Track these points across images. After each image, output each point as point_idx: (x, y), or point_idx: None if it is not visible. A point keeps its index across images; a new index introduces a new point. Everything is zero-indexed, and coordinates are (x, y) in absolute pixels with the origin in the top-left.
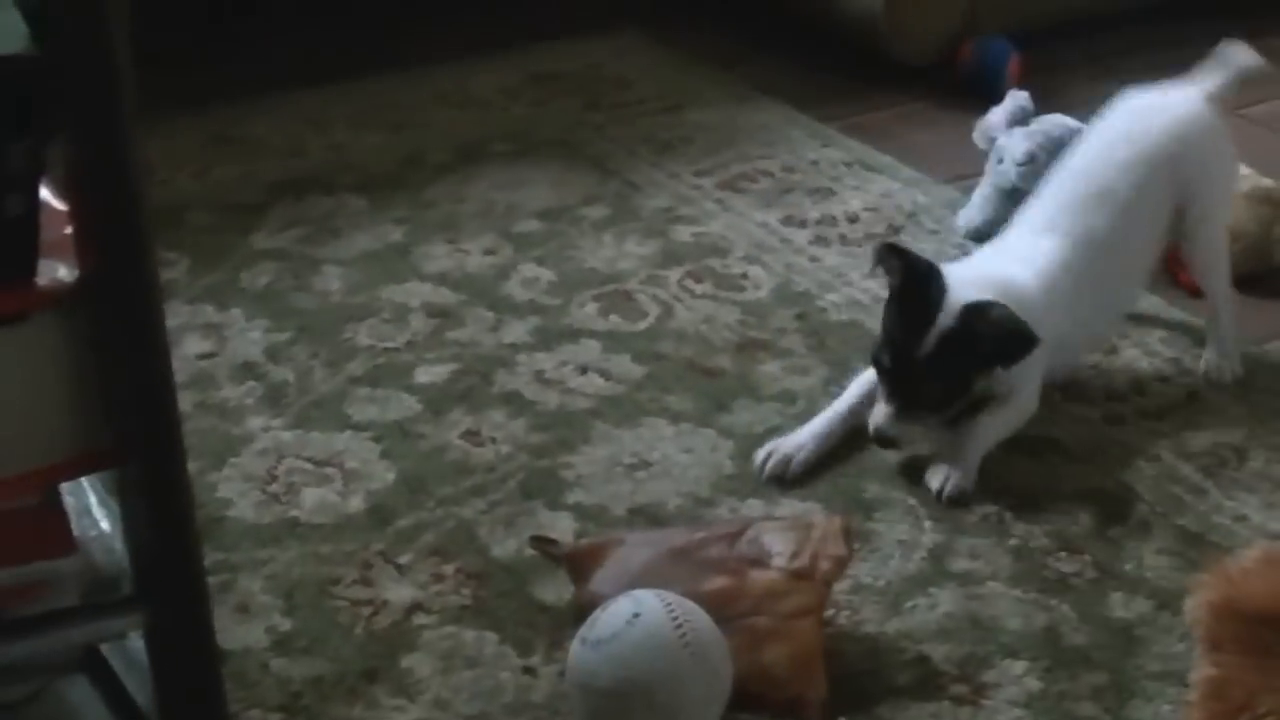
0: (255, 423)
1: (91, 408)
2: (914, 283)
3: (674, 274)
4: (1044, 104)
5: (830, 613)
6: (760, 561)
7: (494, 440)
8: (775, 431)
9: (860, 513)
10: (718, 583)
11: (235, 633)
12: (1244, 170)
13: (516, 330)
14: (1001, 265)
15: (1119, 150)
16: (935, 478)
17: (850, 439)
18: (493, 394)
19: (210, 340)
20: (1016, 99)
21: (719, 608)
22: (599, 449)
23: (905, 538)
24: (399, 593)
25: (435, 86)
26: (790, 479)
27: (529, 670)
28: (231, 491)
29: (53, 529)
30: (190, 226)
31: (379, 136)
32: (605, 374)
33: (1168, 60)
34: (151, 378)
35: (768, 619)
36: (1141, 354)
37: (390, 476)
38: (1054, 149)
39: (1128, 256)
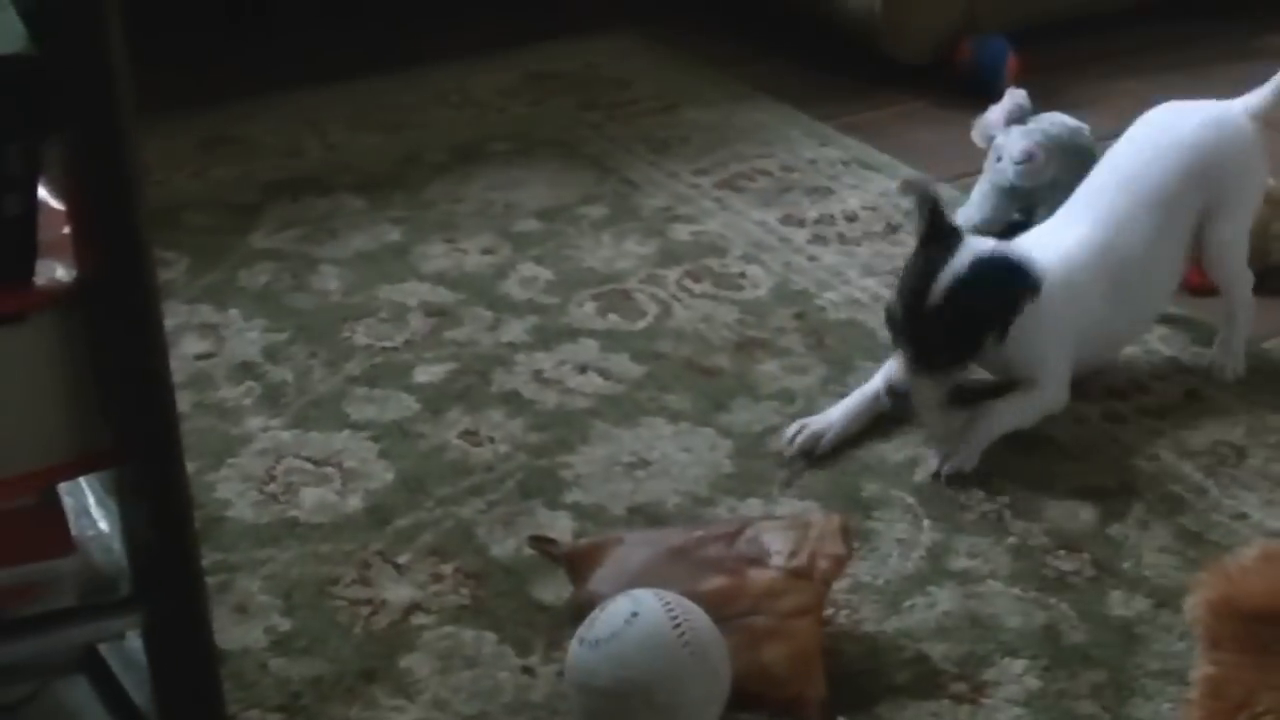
0: (254, 423)
1: (90, 408)
2: (935, 226)
3: (672, 273)
4: (1042, 102)
5: (829, 612)
6: (759, 561)
7: (492, 440)
8: (774, 430)
9: (859, 511)
10: (716, 582)
11: (234, 633)
12: None
13: (515, 330)
14: (1025, 249)
15: (1155, 154)
16: (935, 457)
17: (850, 439)
18: (491, 393)
19: (208, 340)
20: (1014, 97)
21: (718, 607)
22: (597, 448)
23: (904, 536)
24: (398, 592)
25: (433, 86)
26: (818, 455)
27: (528, 670)
28: (230, 491)
29: (51, 529)
30: (188, 227)
31: (377, 136)
32: (604, 373)
33: (1166, 59)
34: (150, 378)
35: (766, 618)
36: (1141, 352)
37: (389, 476)
38: (1052, 147)
39: (1154, 258)
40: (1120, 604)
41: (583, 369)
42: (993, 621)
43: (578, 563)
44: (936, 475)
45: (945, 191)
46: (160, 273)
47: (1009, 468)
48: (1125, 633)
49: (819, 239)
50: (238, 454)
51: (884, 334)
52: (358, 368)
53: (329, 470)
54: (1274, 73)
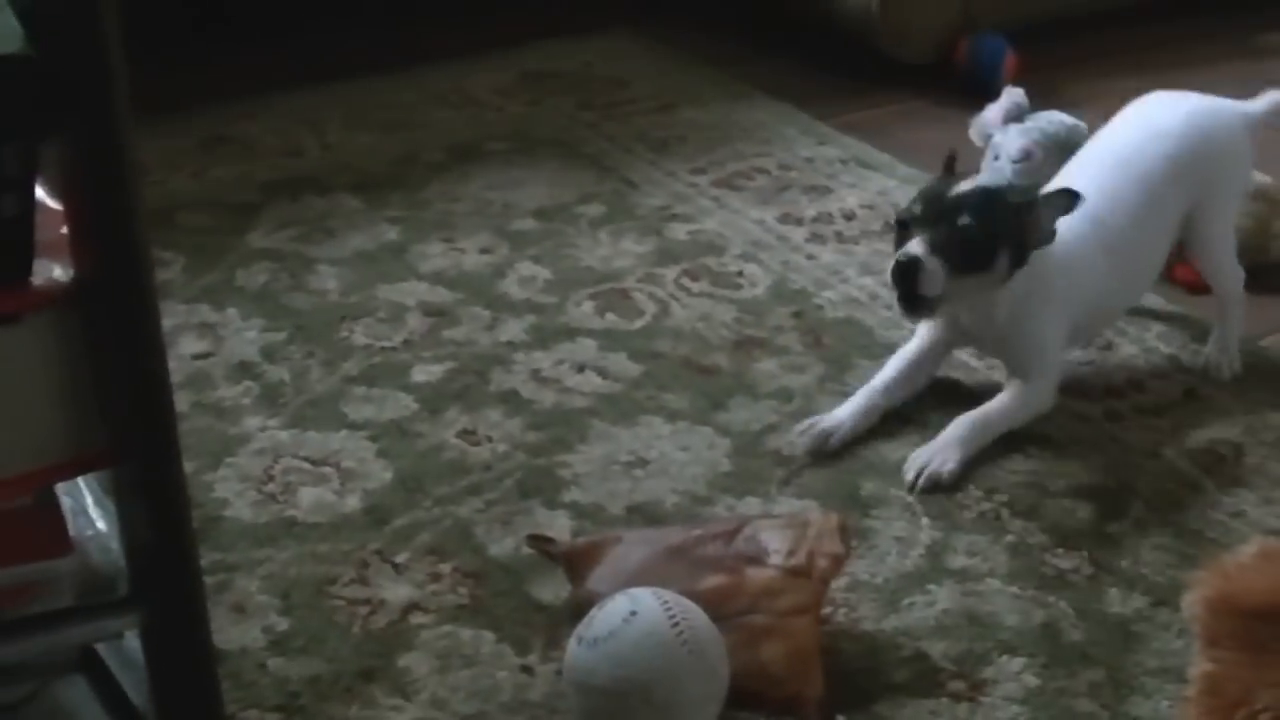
0: (252, 422)
1: (87, 408)
2: (953, 170)
3: (670, 272)
4: (1040, 101)
5: (827, 610)
6: (757, 559)
7: (491, 439)
8: (772, 429)
9: (857, 510)
10: (715, 581)
11: (232, 632)
12: None
13: (513, 329)
14: None
15: (1146, 137)
16: (912, 467)
17: (853, 438)
18: (489, 393)
19: (206, 340)
20: (1012, 96)
21: (716, 606)
22: (596, 447)
23: (902, 535)
24: (396, 592)
25: (430, 86)
26: (828, 453)
27: (526, 669)
28: (228, 491)
29: (49, 529)
30: (186, 227)
31: (374, 136)
32: (602, 372)
33: (1164, 57)
34: (147, 378)
35: (765, 617)
36: (1139, 351)
37: (387, 476)
38: (1050, 145)
39: (1144, 236)
40: (1118, 602)
41: (581, 368)
42: (991, 619)
43: (576, 562)
44: (910, 489)
45: None
46: (158, 273)
47: (1007, 466)
48: (1123, 631)
49: (817, 238)
50: (236, 454)
51: (882, 333)
52: (356, 367)
53: (327, 470)
54: (1273, 71)
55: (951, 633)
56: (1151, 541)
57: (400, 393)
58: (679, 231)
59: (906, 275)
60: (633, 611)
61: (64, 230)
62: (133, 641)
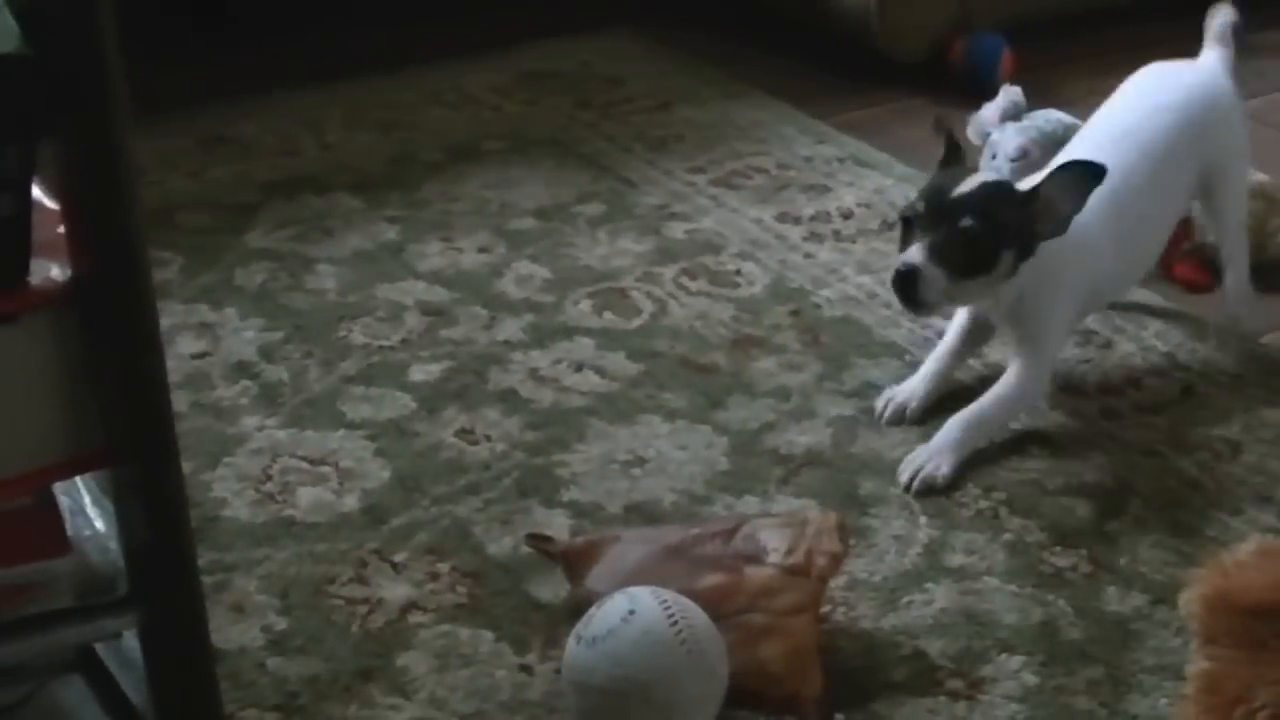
0: (250, 422)
1: (85, 408)
2: (954, 150)
3: (668, 271)
4: (1037, 99)
5: (826, 609)
6: (756, 558)
7: (489, 438)
8: (770, 428)
9: (855, 508)
10: (713, 580)
11: (231, 632)
12: None
13: (511, 328)
14: None
15: (1149, 114)
16: (908, 469)
17: (848, 436)
18: (487, 392)
19: (204, 340)
20: (1009, 94)
21: (714, 605)
22: (594, 446)
23: (901, 533)
24: (394, 591)
25: (427, 86)
26: (909, 422)
27: (525, 668)
28: (226, 491)
29: (47, 529)
30: (184, 226)
31: (371, 136)
32: (600, 371)
33: (1161, 56)
34: (145, 377)
35: (763, 615)
36: (1136, 348)
37: (385, 475)
38: (1047, 144)
39: (1153, 207)
40: (1116, 600)
41: (579, 367)
42: (989, 618)
43: (574, 561)
44: (906, 489)
45: None
46: (156, 272)
47: (1004, 464)
48: (1122, 628)
49: (815, 236)
50: (234, 453)
51: (880, 331)
52: (354, 367)
53: (325, 469)
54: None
55: (950, 631)
56: (1150, 539)
57: (398, 392)
58: (677, 230)
59: (906, 284)
60: (631, 610)
61: (61, 230)
62: (131, 641)
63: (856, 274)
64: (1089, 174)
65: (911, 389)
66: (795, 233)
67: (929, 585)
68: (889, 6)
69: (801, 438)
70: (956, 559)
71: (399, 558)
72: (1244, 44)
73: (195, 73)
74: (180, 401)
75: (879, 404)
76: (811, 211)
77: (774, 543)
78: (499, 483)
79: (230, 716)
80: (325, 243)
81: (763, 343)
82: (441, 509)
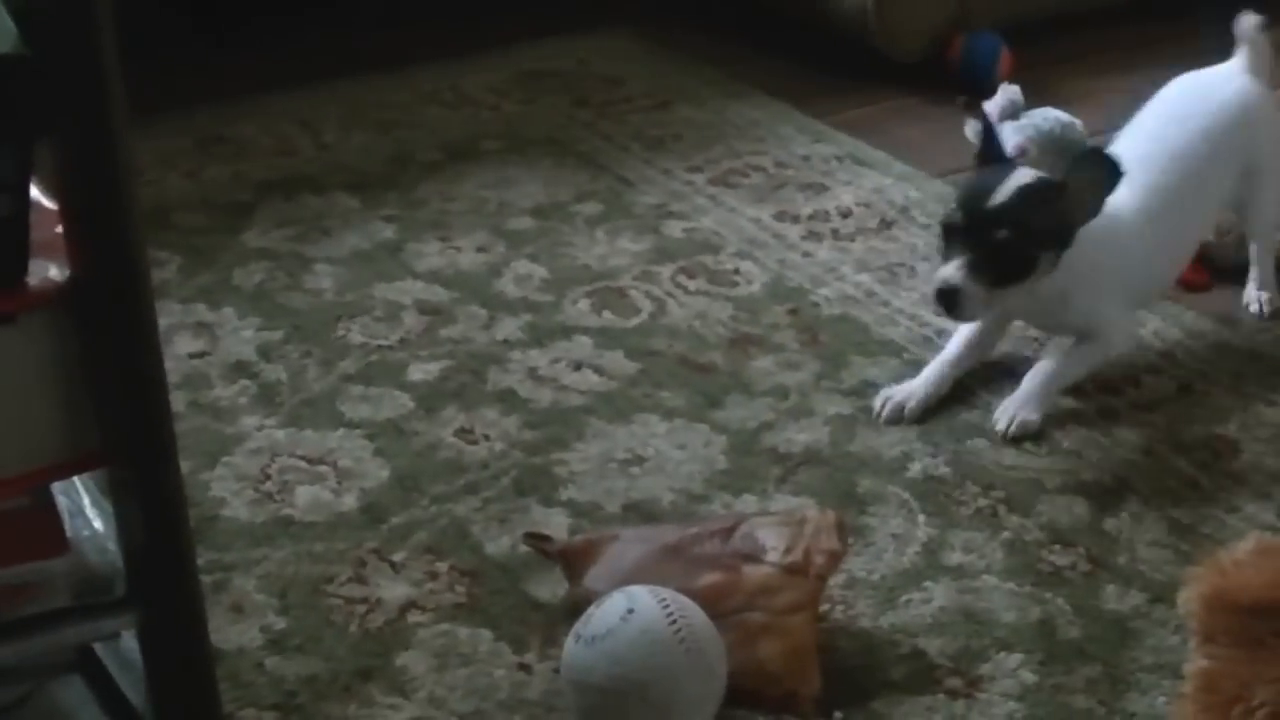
0: (248, 422)
1: (83, 408)
2: (990, 148)
3: (666, 270)
4: (1034, 98)
5: (824, 608)
6: (754, 557)
7: (487, 437)
8: (768, 427)
9: (854, 507)
10: (711, 578)
11: (229, 632)
12: None
13: (509, 327)
14: None
15: (1181, 126)
16: (1003, 417)
17: (846, 434)
18: (486, 391)
19: (202, 339)
20: (1007, 93)
21: (713, 603)
22: (592, 445)
23: (899, 532)
24: (393, 591)
25: (425, 85)
26: (906, 421)
27: (523, 667)
28: (225, 491)
29: (46, 529)
30: (181, 226)
31: (369, 135)
32: (598, 370)
33: (1159, 54)
34: (143, 377)
35: (762, 614)
36: (1134, 347)
37: (384, 474)
38: (1045, 143)
39: (1185, 226)
40: (1115, 598)
41: (577, 366)
42: (988, 616)
43: (573, 560)
44: (1004, 435)
45: (938, 188)
46: (154, 272)
47: (1002, 463)
48: (1120, 627)
49: (813, 235)
50: (232, 453)
51: (878, 330)
52: (352, 366)
53: (324, 469)
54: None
55: (948, 629)
56: (1148, 538)
57: (397, 391)
58: (675, 229)
59: (947, 301)
60: (630, 610)
61: (59, 230)
62: (130, 641)
63: (855, 273)
64: (1097, 164)
65: (911, 389)
66: (793, 231)
67: (927, 584)
68: (887, 5)
69: (800, 436)
70: (955, 557)
71: (397, 557)
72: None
73: (193, 73)
74: (178, 401)
75: (877, 403)
76: (809, 210)
77: (772, 541)
78: (497, 482)
79: (229, 716)
80: (323, 242)
81: (761, 341)
82: (440, 508)
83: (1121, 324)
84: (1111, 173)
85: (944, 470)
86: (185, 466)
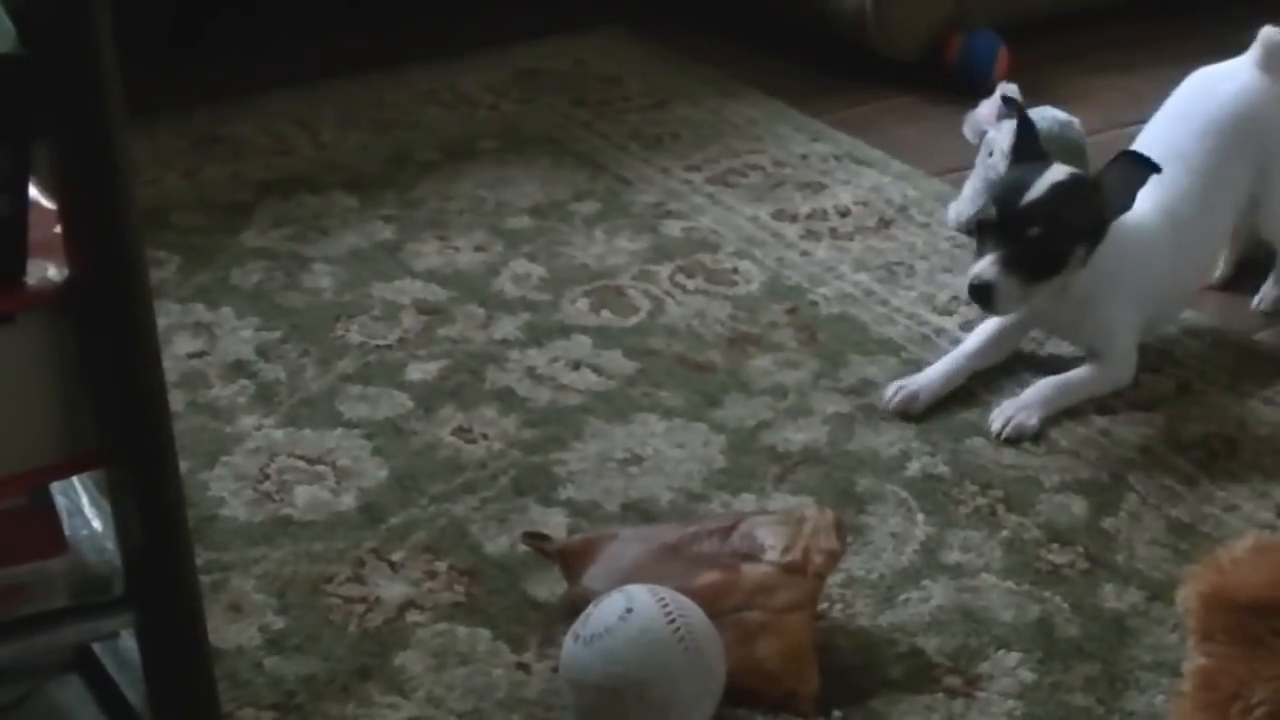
0: (247, 421)
1: (81, 408)
2: (1026, 143)
3: (665, 269)
4: (1032, 97)
5: (823, 606)
6: (752, 556)
7: (486, 437)
8: (767, 426)
9: (852, 506)
10: (710, 577)
11: (228, 632)
12: None
13: (507, 326)
14: None
15: (1199, 127)
16: (999, 418)
17: (845, 433)
18: (484, 390)
19: (201, 339)
20: (1005, 92)
21: (711, 602)
22: (591, 445)
23: (897, 531)
24: (392, 590)
25: (422, 85)
26: (915, 413)
27: (522, 666)
28: (223, 490)
29: (44, 529)
30: (179, 226)
31: (366, 135)
32: (597, 369)
33: (1157, 53)
34: (142, 377)
35: (760, 613)
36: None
37: (382, 474)
38: (1043, 141)
39: (1207, 230)
40: (1113, 597)
41: (575, 365)
42: (986, 615)
43: (571, 559)
44: (998, 436)
45: (936, 187)
46: (152, 272)
47: (1001, 461)
48: (1118, 625)
49: (811, 234)
50: (231, 453)
51: (877, 328)
52: (350, 366)
53: (322, 468)
54: None
55: (947, 628)
56: (1146, 536)
57: (395, 391)
58: (673, 229)
59: (981, 296)
60: (629, 609)
61: (57, 230)
62: (128, 641)
63: (853, 271)
64: (1129, 164)
65: (924, 382)
66: (791, 230)
67: (926, 582)
68: (884, 5)
69: (798, 435)
70: (953, 556)
71: (396, 557)
72: None
73: (190, 73)
74: (177, 401)
75: (888, 392)
76: (808, 209)
77: (771, 540)
78: (496, 481)
79: (228, 716)
80: (321, 242)
81: (759, 340)
82: (439, 508)
83: (1127, 352)
84: (1144, 166)
85: (942, 469)
86: (184, 466)
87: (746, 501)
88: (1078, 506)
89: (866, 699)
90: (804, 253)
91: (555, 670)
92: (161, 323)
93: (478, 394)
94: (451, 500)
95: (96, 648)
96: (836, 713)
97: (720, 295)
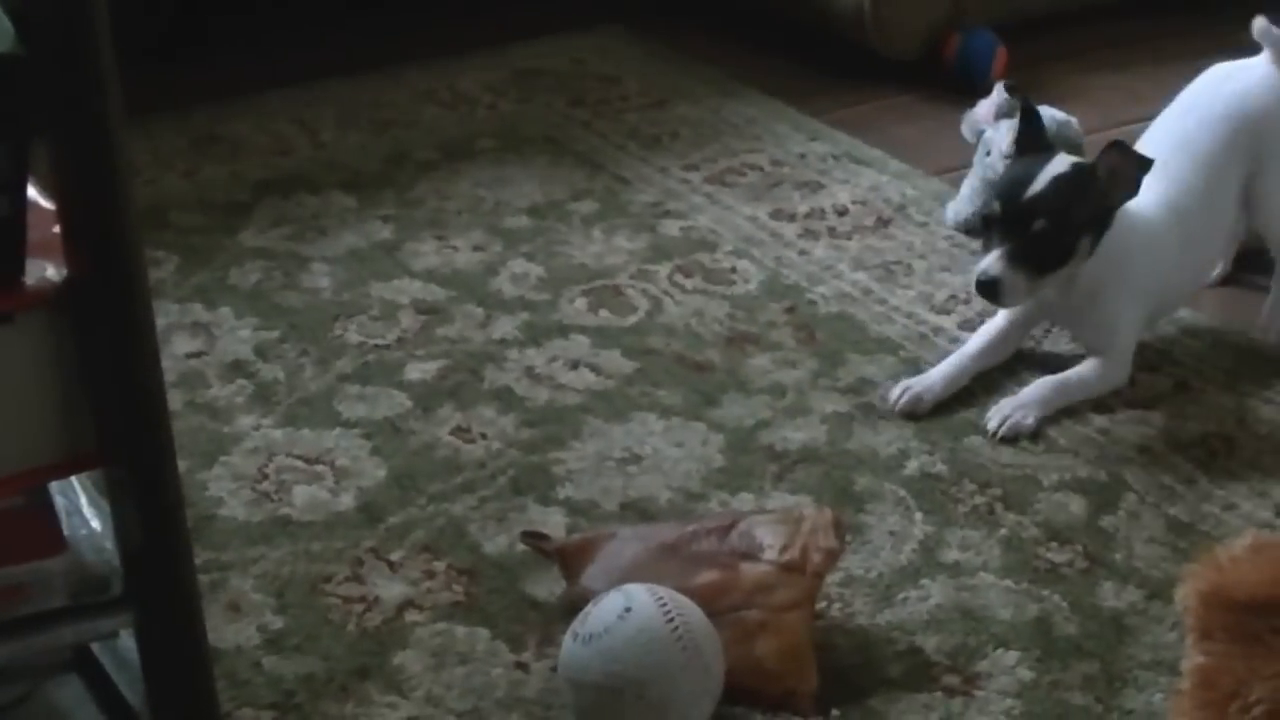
0: (245, 421)
1: (80, 408)
2: (1030, 134)
3: (663, 268)
4: (1030, 96)
5: (821, 605)
6: (751, 555)
7: (484, 436)
8: (765, 425)
9: (851, 505)
10: (709, 576)
11: (227, 631)
12: None
13: (506, 326)
14: None
15: (1202, 124)
16: (996, 417)
17: (843, 432)
18: (483, 390)
19: (199, 339)
20: (1003, 91)
21: (710, 601)
22: (589, 444)
23: (896, 529)
24: (390, 590)
25: (421, 84)
26: (920, 414)
27: (521, 666)
28: (222, 490)
29: (42, 529)
30: (178, 226)
31: (365, 135)
32: (595, 369)
33: (1155, 53)
34: (140, 377)
35: (759, 612)
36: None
37: (381, 474)
38: None
39: (1210, 225)
40: (1112, 595)
41: (574, 365)
42: (984, 613)
43: (570, 558)
44: (994, 435)
45: (934, 186)
46: (151, 272)
47: (999, 460)
48: (1117, 624)
49: (809, 233)
50: (229, 452)
51: (875, 328)
52: (349, 365)
53: (321, 468)
54: None
55: (945, 627)
56: (1145, 535)
57: (394, 390)
58: (671, 228)
59: (988, 291)
60: (627, 608)
61: (56, 230)
62: (127, 641)
63: (851, 270)
64: (1126, 156)
65: (930, 382)
66: (790, 230)
67: (924, 581)
68: (882, 4)
69: (797, 434)
70: (952, 555)
71: (395, 556)
72: None
73: (189, 72)
74: (175, 401)
75: (894, 392)
76: (806, 209)
77: (769, 539)
78: (494, 481)
79: (227, 715)
80: (319, 242)
81: (758, 340)
82: (437, 507)
83: (1126, 351)
84: (1134, 157)
85: (941, 468)
86: (182, 466)
87: (745, 500)
88: (1076, 505)
89: (865, 697)
90: (802, 252)
91: (554, 669)
92: (160, 322)
93: (476, 393)
94: (450, 500)
95: (95, 647)
96: (835, 711)
97: (718, 294)
